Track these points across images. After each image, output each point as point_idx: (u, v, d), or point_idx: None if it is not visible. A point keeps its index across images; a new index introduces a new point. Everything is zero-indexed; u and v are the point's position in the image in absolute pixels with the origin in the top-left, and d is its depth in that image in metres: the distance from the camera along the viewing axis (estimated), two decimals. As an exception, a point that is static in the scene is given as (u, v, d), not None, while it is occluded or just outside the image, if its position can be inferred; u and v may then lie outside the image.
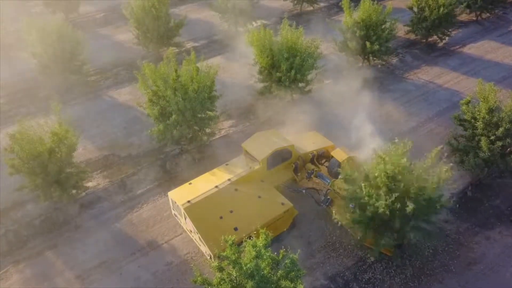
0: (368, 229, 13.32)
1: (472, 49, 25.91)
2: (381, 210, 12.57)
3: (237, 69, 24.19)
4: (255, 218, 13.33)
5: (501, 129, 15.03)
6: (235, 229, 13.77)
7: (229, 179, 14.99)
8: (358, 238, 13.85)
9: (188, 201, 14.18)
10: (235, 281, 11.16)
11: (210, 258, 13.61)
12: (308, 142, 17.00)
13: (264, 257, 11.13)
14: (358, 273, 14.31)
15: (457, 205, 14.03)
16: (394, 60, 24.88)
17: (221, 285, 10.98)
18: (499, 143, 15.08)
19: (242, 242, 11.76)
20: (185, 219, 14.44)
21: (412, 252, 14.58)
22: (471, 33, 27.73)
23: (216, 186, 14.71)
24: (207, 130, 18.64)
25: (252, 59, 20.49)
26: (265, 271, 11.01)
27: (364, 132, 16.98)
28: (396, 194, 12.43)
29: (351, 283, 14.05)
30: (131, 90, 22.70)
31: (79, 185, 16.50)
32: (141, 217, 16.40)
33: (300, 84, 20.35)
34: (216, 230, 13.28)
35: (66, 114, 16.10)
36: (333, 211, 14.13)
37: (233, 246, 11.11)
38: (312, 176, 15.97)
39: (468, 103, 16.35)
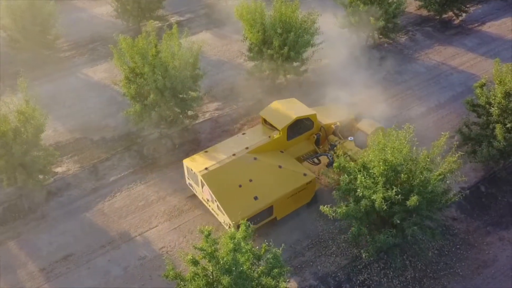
0: (363, 225, 12.92)
1: (492, 27, 25.20)
2: (377, 203, 12.16)
3: (226, 46, 23.70)
4: (276, 188, 13.52)
5: (519, 115, 14.54)
6: (255, 198, 14.08)
7: (247, 148, 15.21)
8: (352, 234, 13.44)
9: (206, 168, 14.50)
10: (211, 276, 10.89)
11: (229, 227, 13.82)
12: (331, 113, 17.00)
13: (243, 250, 10.82)
14: (352, 274, 13.97)
15: (462, 195, 13.38)
16: (403, 39, 24.23)
17: (195, 280, 10.68)
18: (516, 131, 14.59)
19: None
20: (202, 187, 14.73)
21: (414, 252, 14.19)
22: (492, 9, 26.92)
23: (234, 154, 14.96)
24: (190, 113, 18.24)
25: (242, 34, 19.97)
26: (245, 266, 10.72)
27: (365, 119, 16.60)
28: (397, 188, 12.01)
29: (343, 285, 13.71)
30: (107, 67, 22.25)
31: (47, 170, 16.23)
32: (113, 207, 16.11)
33: (295, 63, 19.85)
34: (235, 198, 13.71)
35: (35, 92, 15.75)
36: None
37: (209, 238, 10.81)
38: (335, 148, 15.70)
39: (482, 86, 15.82)
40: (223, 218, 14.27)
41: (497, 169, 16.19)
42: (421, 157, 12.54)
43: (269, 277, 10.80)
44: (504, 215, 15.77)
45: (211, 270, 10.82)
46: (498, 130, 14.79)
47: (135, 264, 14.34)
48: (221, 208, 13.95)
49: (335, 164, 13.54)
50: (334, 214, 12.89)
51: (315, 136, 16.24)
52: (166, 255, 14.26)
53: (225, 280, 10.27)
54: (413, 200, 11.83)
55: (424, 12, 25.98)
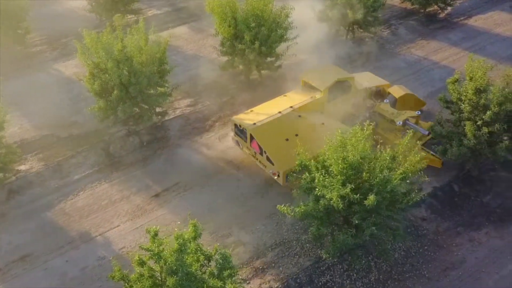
0: (323, 225, 12.84)
1: (479, 21, 25.00)
2: (334, 202, 12.08)
3: (203, 40, 23.64)
4: (320, 143, 14.11)
5: (489, 113, 14.34)
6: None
7: (291, 107, 16.79)
8: (312, 234, 13.36)
9: (254, 123, 16.07)
10: (159, 277, 10.86)
11: (278, 176, 15.47)
12: (365, 80, 18.66)
13: (188, 250, 10.78)
14: (314, 276, 13.90)
15: (423, 196, 13.34)
16: (386, 33, 24.08)
17: (140, 282, 10.66)
18: (486, 129, 14.42)
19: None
20: (250, 141, 16.18)
21: (379, 253, 14.10)
22: (479, 2, 26.75)
23: (280, 112, 16.51)
24: (158, 109, 18.19)
25: (214, 29, 19.88)
26: (193, 268, 10.68)
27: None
28: (351, 185, 11.92)
29: (304, 287, 13.64)
30: (79, 62, 21.82)
31: (8, 168, 16.23)
32: (75, 206, 16.09)
33: (269, 59, 19.74)
34: (282, 150, 15.09)
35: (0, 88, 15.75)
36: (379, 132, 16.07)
37: (156, 238, 10.78)
38: (370, 111, 17.52)
39: (455, 82, 15.66)
40: (271, 169, 15.72)
41: (471, 168, 16.02)
42: (381, 156, 12.43)
43: (216, 279, 10.76)
44: (476, 215, 15.65)
45: (159, 271, 10.82)
46: (468, 127, 14.66)
47: (93, 265, 14.31)
48: (270, 158, 15.49)
49: (297, 162, 13.51)
50: (292, 214, 12.84)
51: (353, 99, 17.85)
52: (127, 257, 14.19)
53: (170, 281, 10.24)
54: (371, 199, 11.71)
55: (409, 5, 25.79)
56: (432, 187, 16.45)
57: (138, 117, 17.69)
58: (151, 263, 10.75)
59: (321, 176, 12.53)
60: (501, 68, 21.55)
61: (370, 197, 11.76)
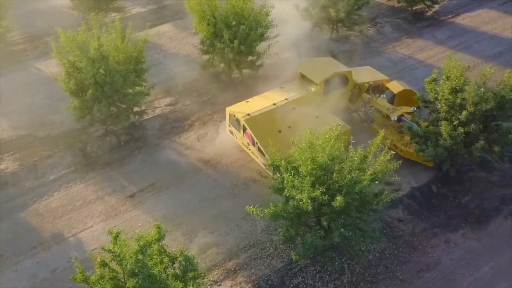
0: (293, 226, 12.79)
1: (466, 19, 24.85)
2: (303, 204, 12.03)
3: (186, 38, 23.56)
4: None
5: (464, 113, 14.27)
6: (293, 143, 14.73)
7: (286, 99, 17.08)
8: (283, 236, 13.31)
9: (248, 114, 16.35)
10: (122, 279, 10.85)
11: (267, 167, 15.24)
12: (364, 74, 18.89)
13: (150, 252, 10.76)
14: (286, 277, 13.86)
15: (393, 197, 13.26)
16: (371, 31, 23.96)
17: (100, 283, 10.65)
18: (462, 129, 14.34)
19: None
20: (244, 132, 16.52)
21: (352, 255, 14.03)
22: (468, 0, 26.53)
23: (274, 104, 16.82)
24: (136, 109, 18.17)
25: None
26: (156, 269, 10.67)
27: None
28: (322, 188, 11.86)
29: (276, 289, 13.64)
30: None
31: (-17, 169, 16.31)
32: (49, 207, 16.07)
33: (250, 58, 19.68)
34: (275, 142, 14.81)
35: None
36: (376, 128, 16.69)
37: (118, 239, 10.77)
38: (368, 105, 17.74)
39: (433, 81, 15.57)
40: (263, 160, 16.01)
41: (448, 169, 15.93)
42: (348, 156, 12.37)
43: (178, 281, 10.75)
44: (453, 216, 15.58)
45: (122, 273, 10.81)
46: (444, 127, 14.57)
47: (64, 266, 14.28)
48: (262, 149, 15.67)
49: (269, 163, 13.49)
50: (262, 215, 12.81)
51: (350, 93, 18.06)
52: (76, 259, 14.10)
53: (131, 283, 10.23)
54: (338, 201, 11.66)
55: (396, 3, 25.63)
56: (410, 187, 16.40)
57: (115, 116, 17.68)
58: (113, 264, 10.76)
59: (290, 177, 12.52)
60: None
61: (337, 198, 11.72)
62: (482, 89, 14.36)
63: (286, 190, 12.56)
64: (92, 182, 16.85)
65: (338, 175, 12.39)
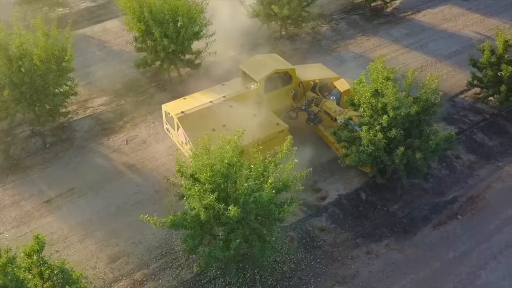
0: (193, 236, 12.50)
1: (427, 15, 24.20)
2: (198, 212, 11.73)
3: (132, 36, 23.08)
4: (247, 134, 14.10)
5: (385, 117, 13.83)
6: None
7: (224, 96, 16.89)
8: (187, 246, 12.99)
9: (182, 112, 16.25)
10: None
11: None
12: (312, 72, 18.68)
13: (23, 264, 10.55)
14: (193, 289, 13.61)
15: (298, 205, 12.81)
16: (324, 28, 23.42)
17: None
18: (381, 135, 13.89)
19: None
20: (177, 129, 16.45)
21: (258, 266, 13.65)
22: (431, -5, 25.96)
23: (211, 101, 16.67)
24: (63, 110, 17.94)
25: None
26: (30, 283, 10.46)
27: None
28: (213, 195, 11.55)
29: (180, 301, 13.38)
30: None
31: None
32: (-37, 211, 15.95)
33: (187, 56, 19.34)
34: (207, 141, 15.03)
35: None
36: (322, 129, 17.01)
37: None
38: (311, 104, 17.45)
39: (360, 83, 15.13)
40: None
41: (374, 175, 15.49)
42: (242, 164, 12.03)
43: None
44: (379, 225, 15.15)
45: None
46: (364, 133, 14.15)
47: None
48: (194, 150, 15.03)
49: (176, 168, 13.18)
50: (160, 225, 12.51)
51: (293, 91, 17.72)
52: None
53: (0, 297, 10.05)
54: (232, 210, 11.35)
55: (355, -1, 25.15)
56: (337, 194, 16.00)
57: (39, 117, 17.46)
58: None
59: (189, 184, 12.22)
60: (439, 67, 21.12)
61: (231, 208, 11.40)
62: (403, 93, 13.92)
63: (185, 198, 12.28)
64: (11, 186, 16.64)
65: (237, 183, 12.07)
